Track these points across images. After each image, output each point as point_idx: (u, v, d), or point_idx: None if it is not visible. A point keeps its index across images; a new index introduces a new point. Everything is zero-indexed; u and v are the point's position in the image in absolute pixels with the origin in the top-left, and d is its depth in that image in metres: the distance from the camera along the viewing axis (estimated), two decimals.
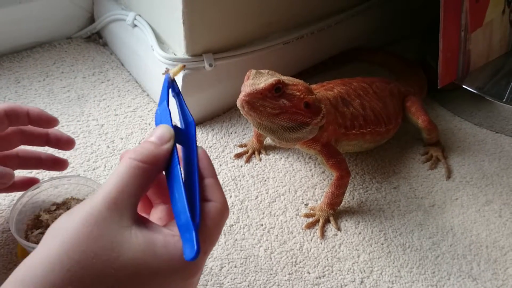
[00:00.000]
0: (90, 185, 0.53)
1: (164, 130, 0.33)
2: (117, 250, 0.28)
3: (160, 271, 0.29)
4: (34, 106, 0.50)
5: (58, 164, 0.54)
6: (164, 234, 0.30)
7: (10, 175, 0.46)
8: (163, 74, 0.39)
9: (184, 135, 0.35)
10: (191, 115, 0.36)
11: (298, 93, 0.52)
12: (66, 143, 0.53)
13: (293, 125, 0.52)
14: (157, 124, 0.35)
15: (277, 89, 0.50)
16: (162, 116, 0.35)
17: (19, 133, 0.51)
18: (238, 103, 0.50)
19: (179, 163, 0.32)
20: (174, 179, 0.32)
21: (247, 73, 0.53)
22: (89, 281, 0.27)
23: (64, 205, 0.53)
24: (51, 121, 0.51)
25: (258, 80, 0.50)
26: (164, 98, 0.36)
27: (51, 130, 0.52)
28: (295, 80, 0.54)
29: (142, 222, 0.31)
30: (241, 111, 0.51)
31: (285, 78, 0.53)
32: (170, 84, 0.38)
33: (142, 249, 0.29)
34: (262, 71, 0.53)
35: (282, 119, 0.51)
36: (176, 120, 0.37)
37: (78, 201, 0.54)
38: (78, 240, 0.28)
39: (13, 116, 0.48)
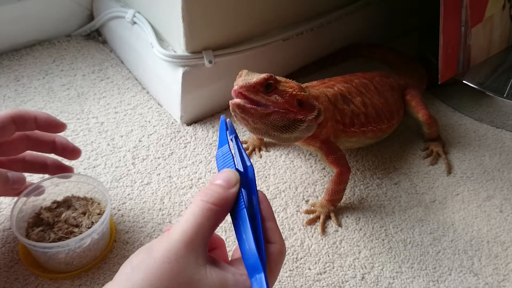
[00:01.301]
0: (91, 183, 0.53)
1: (231, 174, 0.36)
2: (195, 287, 0.30)
3: None
4: (42, 111, 0.50)
5: (63, 171, 0.54)
6: (233, 273, 0.33)
7: (22, 180, 0.47)
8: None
9: (243, 178, 0.37)
10: (249, 158, 0.38)
11: (290, 90, 0.51)
12: (72, 152, 0.53)
13: (286, 124, 0.51)
14: (219, 166, 0.38)
15: (269, 85, 0.50)
16: (224, 159, 0.38)
17: (25, 139, 0.51)
18: (230, 108, 0.50)
19: (245, 206, 0.35)
20: (242, 221, 0.34)
21: (239, 72, 0.52)
22: None
23: (65, 203, 0.52)
24: (59, 126, 0.51)
25: (249, 77, 0.50)
26: (225, 141, 0.39)
27: (58, 138, 0.52)
28: (287, 79, 0.54)
29: (213, 261, 0.33)
30: (235, 117, 0.51)
31: (277, 76, 0.52)
32: (228, 127, 0.40)
33: (216, 286, 0.31)
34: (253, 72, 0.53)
35: (274, 119, 0.50)
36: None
37: (79, 199, 0.53)
38: (161, 275, 0.30)
39: (20, 121, 0.48)
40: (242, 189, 0.36)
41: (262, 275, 0.32)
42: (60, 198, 0.54)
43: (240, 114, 0.50)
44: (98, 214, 0.51)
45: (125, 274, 0.31)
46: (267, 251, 0.34)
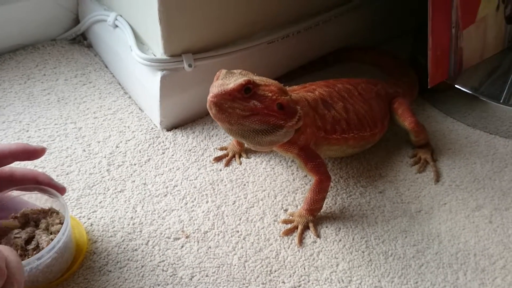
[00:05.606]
0: (49, 196, 0.50)
1: None
2: None
3: None
4: (16, 142, 0.47)
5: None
6: None
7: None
8: None
9: None
10: None
11: (270, 94, 0.49)
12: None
13: (265, 128, 0.50)
14: None
15: (247, 89, 0.48)
16: None
17: (5, 180, 0.48)
18: (207, 105, 0.48)
19: None
20: None
21: (217, 73, 0.50)
22: None
23: (22, 218, 0.49)
24: (38, 152, 0.47)
25: (227, 80, 0.48)
26: None
27: (41, 177, 0.49)
28: (268, 80, 0.52)
29: None
30: (210, 113, 0.49)
31: (257, 79, 0.50)
32: None
33: None
34: (234, 71, 0.51)
35: (252, 121, 0.49)
36: None
37: (35, 212, 0.49)
38: None
39: None
40: None
41: None
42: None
43: (217, 113, 0.47)
44: (59, 223, 0.48)
45: None
46: None
